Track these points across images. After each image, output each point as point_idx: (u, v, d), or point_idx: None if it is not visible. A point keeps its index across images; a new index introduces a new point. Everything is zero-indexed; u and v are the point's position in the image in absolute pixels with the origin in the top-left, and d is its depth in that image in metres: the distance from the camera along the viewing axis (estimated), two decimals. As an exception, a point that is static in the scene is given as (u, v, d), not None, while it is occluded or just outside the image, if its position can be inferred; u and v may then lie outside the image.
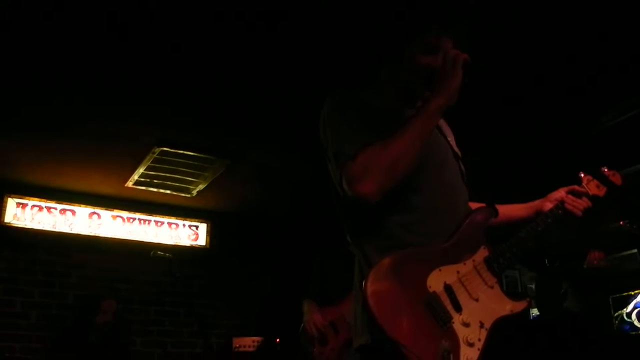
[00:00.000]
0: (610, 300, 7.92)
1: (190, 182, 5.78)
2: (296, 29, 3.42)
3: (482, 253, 1.80)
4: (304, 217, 6.44)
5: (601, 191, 2.18)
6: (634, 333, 7.46)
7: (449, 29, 1.85)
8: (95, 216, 6.14)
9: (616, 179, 2.16)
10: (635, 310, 7.56)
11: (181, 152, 5.06)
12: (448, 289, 1.66)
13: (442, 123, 2.00)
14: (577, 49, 3.65)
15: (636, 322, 7.57)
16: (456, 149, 2.02)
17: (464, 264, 1.75)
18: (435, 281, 1.65)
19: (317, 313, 4.15)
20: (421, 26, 1.84)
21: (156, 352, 6.13)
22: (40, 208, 5.90)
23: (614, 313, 7.87)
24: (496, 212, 1.93)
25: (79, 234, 6.03)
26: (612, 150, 4.79)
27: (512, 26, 3.38)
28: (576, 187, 2.17)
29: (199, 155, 5.14)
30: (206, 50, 3.65)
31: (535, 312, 7.03)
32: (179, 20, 3.35)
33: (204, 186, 5.86)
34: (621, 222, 2.58)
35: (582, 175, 2.21)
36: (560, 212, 2.07)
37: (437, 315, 1.60)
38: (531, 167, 5.09)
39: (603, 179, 2.13)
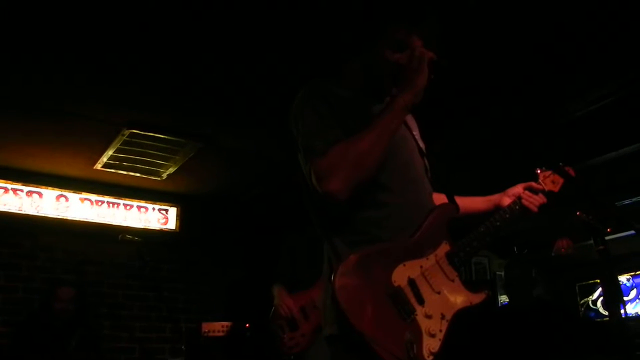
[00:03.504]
0: (576, 287, 8.07)
1: (160, 165, 5.71)
2: (268, 11, 3.38)
3: (444, 248, 1.85)
4: (274, 202, 6.42)
5: (556, 187, 2.28)
6: (599, 320, 7.62)
7: (418, 27, 1.89)
8: (62, 199, 6.04)
9: (570, 170, 2.22)
10: (601, 298, 7.71)
11: (151, 134, 4.99)
12: (412, 283, 1.72)
13: (408, 117, 2.03)
14: (543, 39, 3.67)
15: (601, 310, 7.73)
16: (421, 143, 2.07)
17: (427, 258, 1.80)
18: (400, 276, 1.71)
19: (287, 298, 4.16)
20: (391, 22, 1.89)
21: (124, 336, 6.10)
22: (6, 190, 5.79)
23: (580, 300, 8.02)
24: (457, 209, 2.00)
25: (46, 217, 5.94)
26: (578, 141, 4.87)
27: (474, 13, 3.37)
28: (533, 183, 2.25)
29: (169, 137, 5.07)
30: (178, 31, 3.58)
31: (504, 299, 7.13)
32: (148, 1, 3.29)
33: (174, 169, 5.80)
34: (578, 213, 2.67)
35: (539, 171, 2.31)
36: (517, 207, 2.15)
37: (401, 308, 1.67)
38: (496, 157, 5.14)
39: (559, 171, 2.21)
